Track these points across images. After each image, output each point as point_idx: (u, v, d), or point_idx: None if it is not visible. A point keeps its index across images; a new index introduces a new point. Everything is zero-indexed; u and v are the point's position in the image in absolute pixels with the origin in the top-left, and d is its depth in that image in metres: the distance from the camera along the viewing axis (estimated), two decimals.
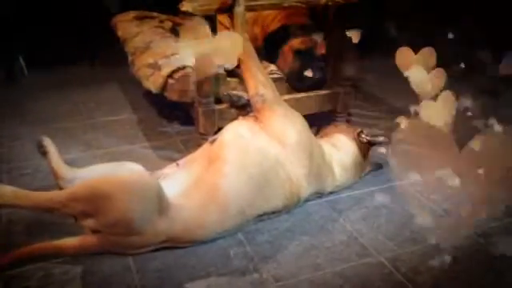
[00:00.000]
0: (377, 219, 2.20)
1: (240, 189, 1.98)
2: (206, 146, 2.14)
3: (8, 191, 1.86)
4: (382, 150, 2.41)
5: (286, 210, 2.17)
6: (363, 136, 2.40)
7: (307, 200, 2.25)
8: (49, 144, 2.11)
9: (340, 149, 2.36)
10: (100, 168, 2.04)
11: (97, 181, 1.85)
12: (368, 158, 2.47)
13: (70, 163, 2.52)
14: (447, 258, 1.97)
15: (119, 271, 1.86)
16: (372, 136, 2.41)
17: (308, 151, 2.15)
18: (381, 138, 2.40)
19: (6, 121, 3.04)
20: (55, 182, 2.13)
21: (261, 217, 2.11)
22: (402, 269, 1.91)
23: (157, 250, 1.94)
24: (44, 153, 2.11)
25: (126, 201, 1.80)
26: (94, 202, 1.80)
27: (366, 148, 2.41)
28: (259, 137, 2.10)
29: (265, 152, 2.07)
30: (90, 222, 1.84)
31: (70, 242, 1.89)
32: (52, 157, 2.08)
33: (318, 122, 2.66)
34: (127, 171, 1.90)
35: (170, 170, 2.12)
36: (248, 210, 2.03)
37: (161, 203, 1.86)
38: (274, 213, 2.13)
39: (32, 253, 1.87)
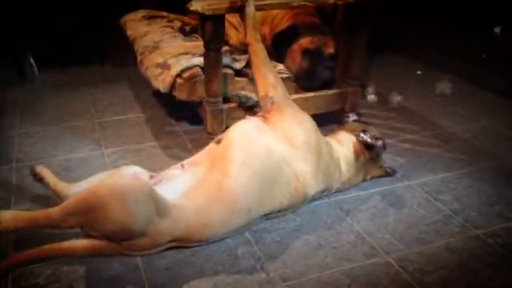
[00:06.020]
0: (384, 219, 2.20)
1: (245, 187, 1.98)
2: (211, 146, 2.14)
3: (8, 216, 1.88)
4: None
5: (293, 208, 2.17)
6: (361, 135, 2.35)
7: (314, 200, 2.25)
8: (42, 170, 2.18)
9: (343, 144, 2.34)
10: (95, 179, 2.07)
11: (85, 192, 1.86)
12: (378, 163, 2.45)
13: (80, 162, 2.57)
14: (455, 259, 1.97)
15: (127, 269, 1.87)
16: (373, 137, 2.34)
17: (315, 150, 2.14)
18: (379, 143, 2.33)
19: (17, 119, 3.06)
20: (64, 179, 2.18)
21: (268, 216, 2.11)
22: (409, 269, 1.91)
23: (165, 249, 1.95)
24: (40, 179, 2.16)
25: (117, 208, 1.79)
26: (87, 214, 1.81)
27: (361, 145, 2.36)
28: (266, 135, 2.10)
29: (271, 150, 2.07)
30: (93, 232, 1.86)
31: (79, 243, 1.89)
32: (49, 180, 2.14)
33: (328, 122, 2.65)
34: (116, 178, 1.90)
35: (174, 170, 2.11)
36: (254, 209, 2.02)
37: (157, 203, 1.85)
38: (280, 211, 2.13)
39: (41, 254, 1.88)
